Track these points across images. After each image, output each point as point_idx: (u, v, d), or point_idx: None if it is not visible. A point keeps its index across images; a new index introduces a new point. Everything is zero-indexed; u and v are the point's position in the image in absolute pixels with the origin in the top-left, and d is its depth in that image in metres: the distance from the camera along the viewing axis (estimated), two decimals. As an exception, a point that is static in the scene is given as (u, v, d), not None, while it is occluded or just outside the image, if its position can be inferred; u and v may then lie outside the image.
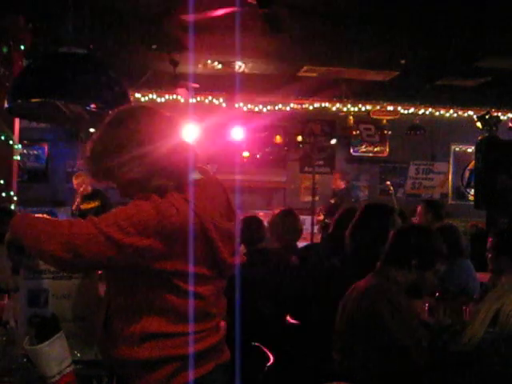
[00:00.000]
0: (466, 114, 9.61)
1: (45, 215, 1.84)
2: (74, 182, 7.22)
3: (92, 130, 7.52)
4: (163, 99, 8.69)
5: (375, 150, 10.03)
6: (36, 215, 1.81)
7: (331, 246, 3.70)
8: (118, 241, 1.64)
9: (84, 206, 7.06)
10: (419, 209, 5.27)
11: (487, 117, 6.56)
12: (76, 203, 6.90)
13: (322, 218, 7.60)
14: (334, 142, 9.26)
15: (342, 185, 8.03)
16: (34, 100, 3.23)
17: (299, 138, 9.23)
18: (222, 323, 1.95)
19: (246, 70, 7.50)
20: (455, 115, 9.74)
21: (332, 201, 7.87)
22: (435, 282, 2.64)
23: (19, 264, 1.99)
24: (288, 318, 3.45)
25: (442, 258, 2.60)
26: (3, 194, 5.41)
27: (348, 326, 2.50)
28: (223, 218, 1.84)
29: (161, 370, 1.77)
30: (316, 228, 7.73)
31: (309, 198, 8.82)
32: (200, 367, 1.81)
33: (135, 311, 1.77)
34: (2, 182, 5.40)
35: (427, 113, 9.62)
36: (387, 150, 10.04)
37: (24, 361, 2.00)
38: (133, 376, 1.80)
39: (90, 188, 7.24)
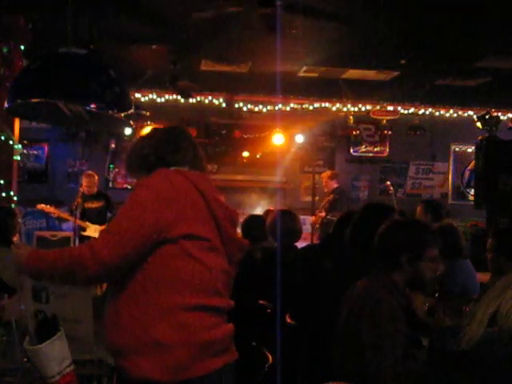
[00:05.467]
0: (466, 114, 9.60)
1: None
2: (84, 180, 7.22)
3: (92, 129, 7.53)
4: (163, 99, 8.69)
5: (375, 149, 10.03)
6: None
7: (331, 246, 3.69)
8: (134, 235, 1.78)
9: (88, 205, 7.06)
10: (419, 209, 5.27)
11: (487, 117, 6.55)
12: (77, 202, 6.88)
13: (323, 214, 7.53)
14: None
15: (334, 184, 7.90)
16: (33, 100, 3.23)
17: (299, 138, 9.22)
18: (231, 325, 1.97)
19: (247, 70, 7.50)
20: (455, 115, 9.73)
21: (330, 197, 7.78)
22: (437, 267, 2.50)
23: None
24: (287, 318, 3.45)
25: (432, 242, 2.50)
26: (3, 194, 5.41)
27: (343, 327, 2.50)
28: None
29: (170, 355, 1.78)
30: (316, 226, 7.65)
31: (309, 198, 8.83)
32: (209, 361, 1.83)
33: (144, 285, 1.82)
34: (1, 182, 5.41)
35: (427, 113, 9.61)
36: (387, 150, 10.04)
37: (24, 361, 2.00)
38: (140, 362, 1.80)
39: (95, 189, 7.27)
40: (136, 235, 1.77)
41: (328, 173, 8.18)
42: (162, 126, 2.18)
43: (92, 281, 1.87)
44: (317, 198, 8.64)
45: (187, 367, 1.79)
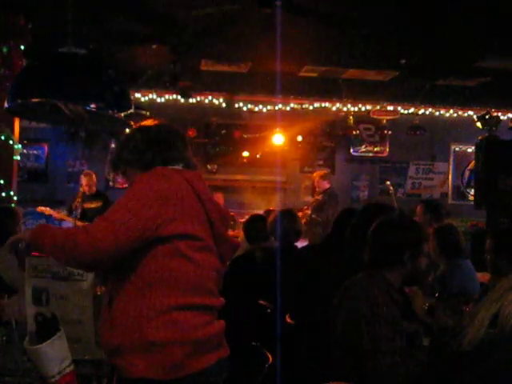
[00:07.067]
0: (465, 114, 9.61)
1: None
2: (83, 179, 7.21)
3: (92, 129, 7.50)
4: (163, 99, 8.69)
5: (375, 149, 10.03)
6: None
7: (332, 246, 3.69)
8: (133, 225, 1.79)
9: (87, 205, 7.05)
10: (418, 209, 5.26)
11: (487, 117, 6.55)
12: (77, 202, 6.87)
13: (309, 212, 7.54)
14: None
15: (326, 185, 7.90)
16: (34, 100, 3.23)
17: (299, 138, 9.22)
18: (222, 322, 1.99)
19: (246, 70, 7.50)
20: (455, 115, 9.74)
21: (319, 197, 7.78)
22: (425, 264, 2.59)
23: (22, 263, 2.00)
24: (287, 318, 3.45)
25: (427, 237, 2.62)
26: (3, 194, 5.41)
27: (342, 328, 2.49)
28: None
29: (166, 354, 1.80)
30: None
31: (309, 198, 8.82)
32: (204, 357, 1.85)
33: (138, 285, 1.84)
34: (1, 181, 5.41)
35: (427, 113, 9.61)
36: (387, 150, 10.03)
37: (24, 361, 2.00)
38: (136, 361, 1.81)
39: (94, 188, 7.26)
40: (133, 227, 1.78)
41: (320, 172, 8.19)
42: (151, 123, 2.18)
43: (79, 263, 1.85)
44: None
45: (182, 365, 1.81)
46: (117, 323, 1.84)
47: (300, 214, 7.70)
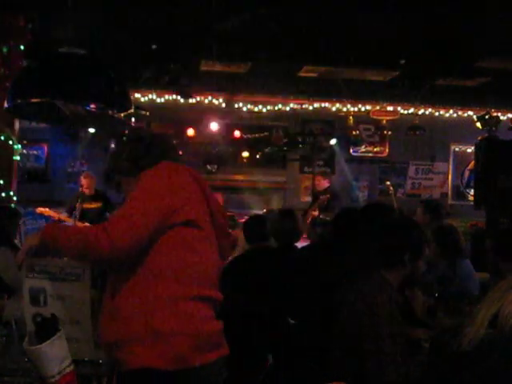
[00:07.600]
0: (465, 114, 9.60)
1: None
2: (83, 181, 7.20)
3: (92, 130, 7.50)
4: (163, 99, 8.69)
5: (375, 149, 10.03)
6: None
7: (331, 246, 3.69)
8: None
9: (87, 206, 7.03)
10: (418, 210, 5.25)
11: (487, 117, 6.56)
12: (76, 202, 6.85)
13: (317, 213, 7.53)
14: (333, 142, 9.24)
15: (326, 183, 7.93)
16: (34, 100, 3.23)
17: (299, 138, 9.22)
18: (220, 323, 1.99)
19: (246, 70, 7.50)
20: (455, 115, 9.74)
21: (322, 197, 7.79)
22: (424, 267, 2.63)
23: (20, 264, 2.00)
24: (288, 318, 3.45)
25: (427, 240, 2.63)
26: (3, 194, 5.41)
27: (342, 330, 2.49)
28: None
29: (170, 344, 1.80)
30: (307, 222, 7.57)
31: (309, 198, 8.82)
32: (205, 353, 1.86)
33: (144, 276, 1.86)
34: (1, 182, 5.41)
35: (427, 113, 9.61)
36: (387, 150, 10.04)
37: (24, 361, 2.00)
38: (137, 351, 1.81)
39: (94, 189, 7.25)
40: (150, 219, 1.84)
41: (321, 170, 8.25)
42: (142, 131, 2.26)
43: (104, 262, 1.92)
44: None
45: (186, 357, 1.82)
46: (120, 314, 1.84)
47: (303, 214, 7.71)
